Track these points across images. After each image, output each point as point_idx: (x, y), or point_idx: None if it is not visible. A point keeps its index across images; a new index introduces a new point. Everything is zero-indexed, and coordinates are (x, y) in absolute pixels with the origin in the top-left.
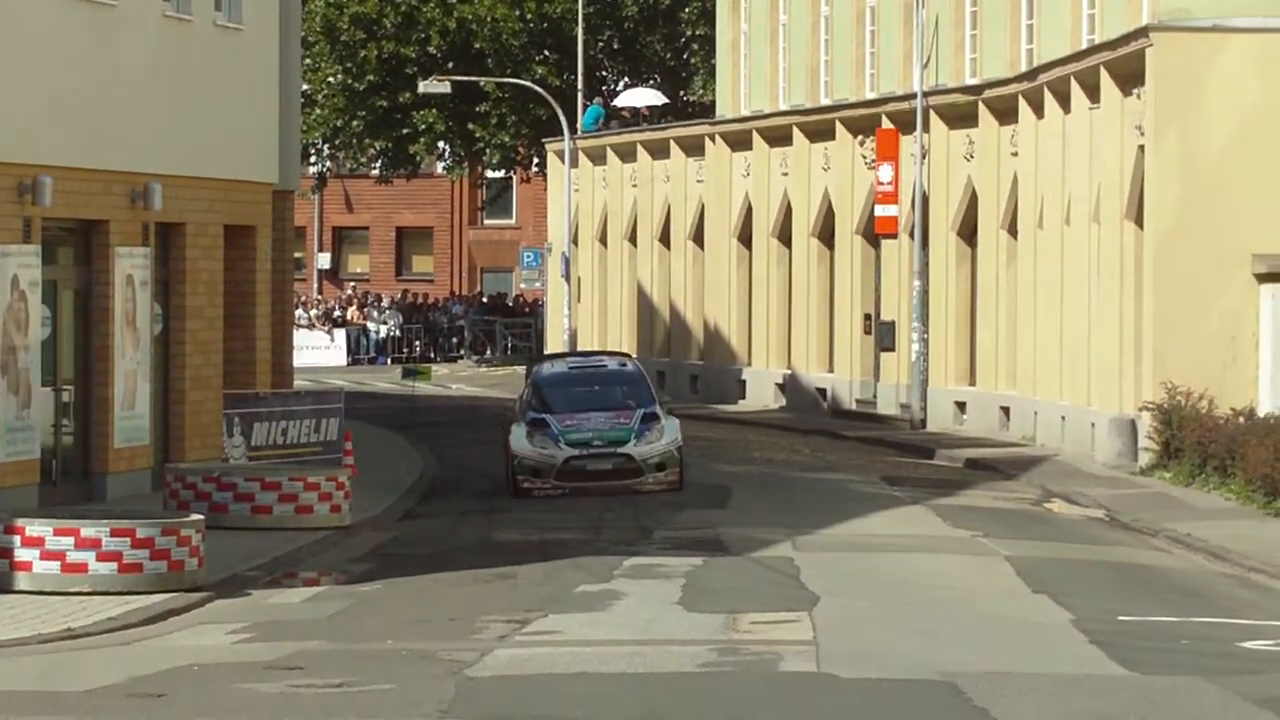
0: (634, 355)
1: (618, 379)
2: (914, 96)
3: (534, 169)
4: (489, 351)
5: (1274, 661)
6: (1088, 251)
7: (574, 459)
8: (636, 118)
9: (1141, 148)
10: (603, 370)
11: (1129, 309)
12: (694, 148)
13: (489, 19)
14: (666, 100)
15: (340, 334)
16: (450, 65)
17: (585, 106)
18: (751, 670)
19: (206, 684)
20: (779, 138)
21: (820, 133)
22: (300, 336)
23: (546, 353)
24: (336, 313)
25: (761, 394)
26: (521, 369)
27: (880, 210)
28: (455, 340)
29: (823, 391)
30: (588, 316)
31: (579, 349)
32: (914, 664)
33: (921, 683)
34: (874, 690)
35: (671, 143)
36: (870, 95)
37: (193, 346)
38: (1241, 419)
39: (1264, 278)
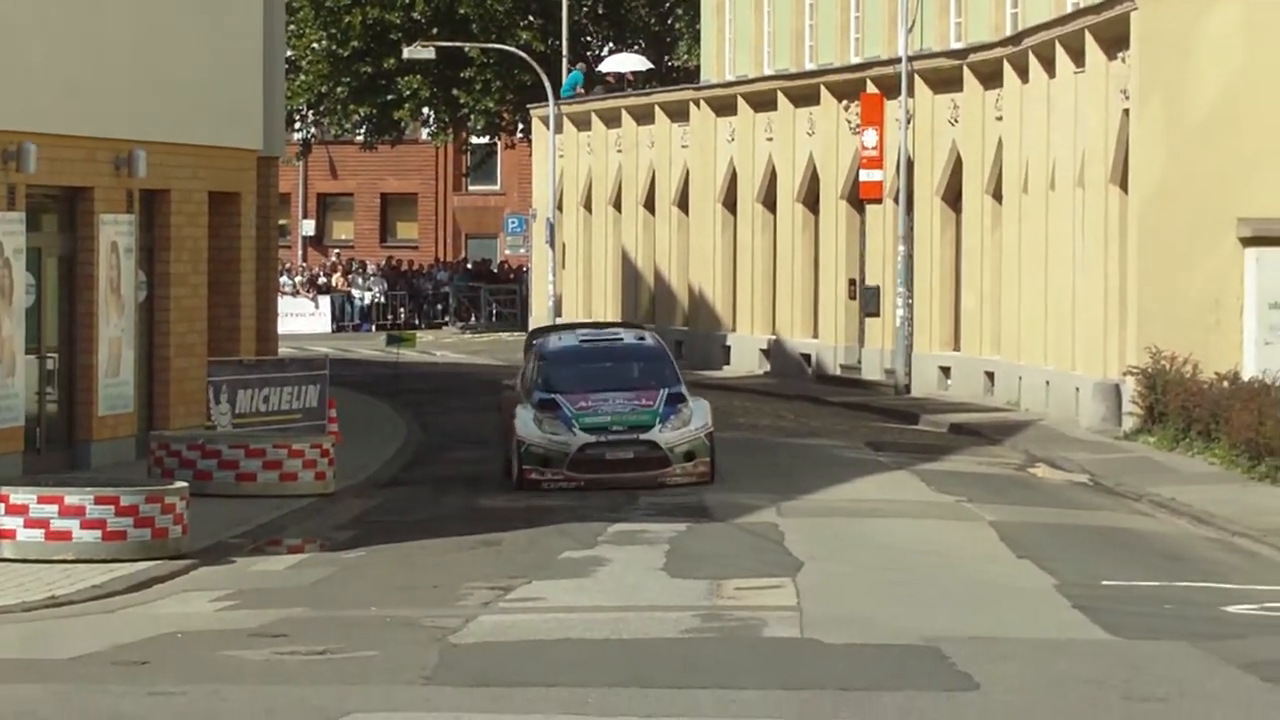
0: (624, 321)
1: (636, 354)
2: (898, 61)
3: (518, 135)
4: (474, 318)
5: (1258, 626)
6: (1072, 216)
7: (590, 446)
8: (621, 83)
9: (1126, 112)
10: (619, 344)
11: (1113, 273)
12: (679, 113)
13: None
14: (651, 65)
15: (325, 301)
16: (434, 31)
17: (570, 72)
18: (735, 636)
19: (190, 651)
20: (764, 103)
21: (805, 98)
22: (285, 303)
23: (548, 323)
24: (321, 279)
25: (746, 360)
26: (507, 336)
27: (865, 175)
28: (440, 307)
29: (807, 357)
30: (572, 282)
31: (591, 319)
32: (898, 629)
33: (906, 647)
34: (858, 655)
35: (656, 108)
36: (855, 60)
37: (177, 314)
38: (1226, 383)
39: (1248, 241)
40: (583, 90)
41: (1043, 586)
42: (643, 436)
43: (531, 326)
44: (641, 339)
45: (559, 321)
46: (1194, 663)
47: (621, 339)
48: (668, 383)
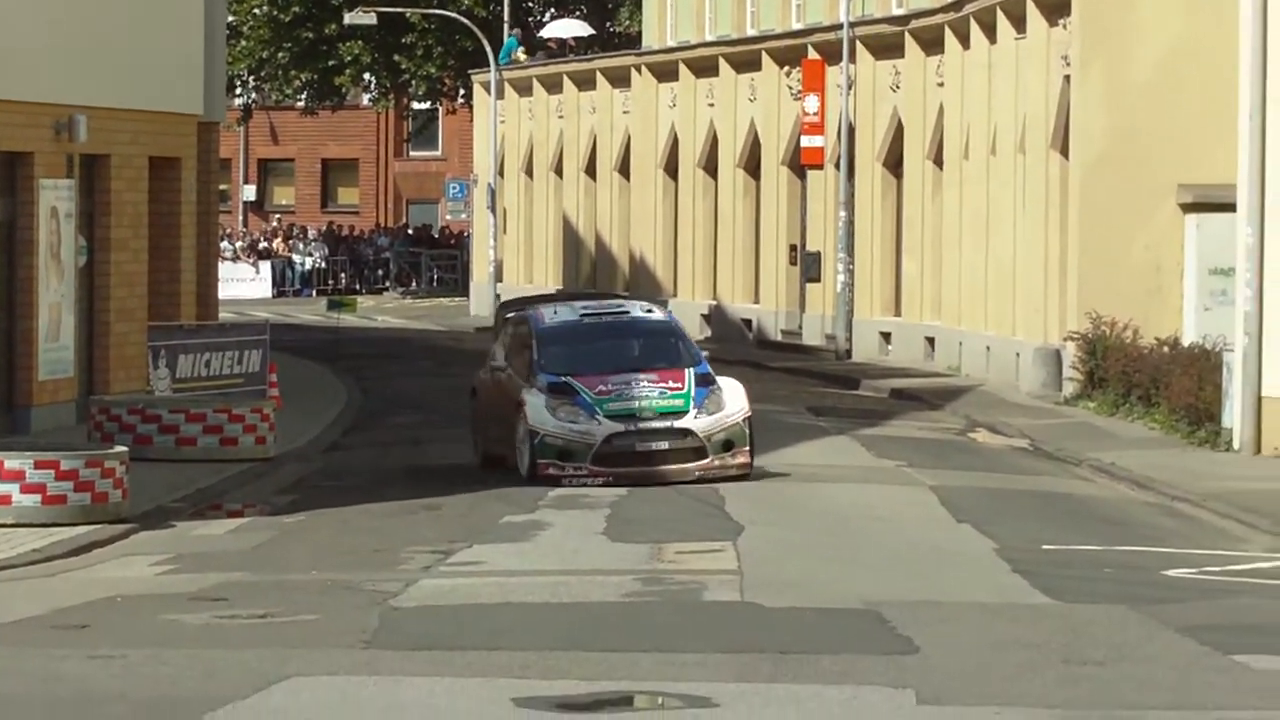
0: (563, 289)
1: (649, 330)
2: (840, 27)
3: (460, 101)
4: (414, 283)
5: (1196, 589)
6: (1013, 182)
7: (618, 436)
8: (563, 49)
9: (1067, 78)
10: (625, 319)
11: (1054, 239)
12: (620, 79)
13: None
14: (593, 31)
15: (265, 266)
16: None
17: (506, 38)
18: (676, 600)
19: (130, 615)
20: (705, 69)
21: (746, 64)
22: (225, 269)
23: (498, 290)
24: (262, 245)
25: (687, 325)
26: (447, 301)
27: (806, 141)
28: (380, 272)
29: (748, 322)
30: (513, 248)
31: (532, 285)
32: (838, 593)
33: (846, 611)
34: (798, 619)
35: (598, 74)
36: (796, 26)
37: (117, 278)
38: (1166, 348)
39: (1189, 207)
40: (521, 56)
41: (983, 551)
42: (676, 424)
43: (473, 291)
44: (650, 312)
45: (499, 287)
46: (1133, 626)
47: (628, 312)
48: (690, 362)
